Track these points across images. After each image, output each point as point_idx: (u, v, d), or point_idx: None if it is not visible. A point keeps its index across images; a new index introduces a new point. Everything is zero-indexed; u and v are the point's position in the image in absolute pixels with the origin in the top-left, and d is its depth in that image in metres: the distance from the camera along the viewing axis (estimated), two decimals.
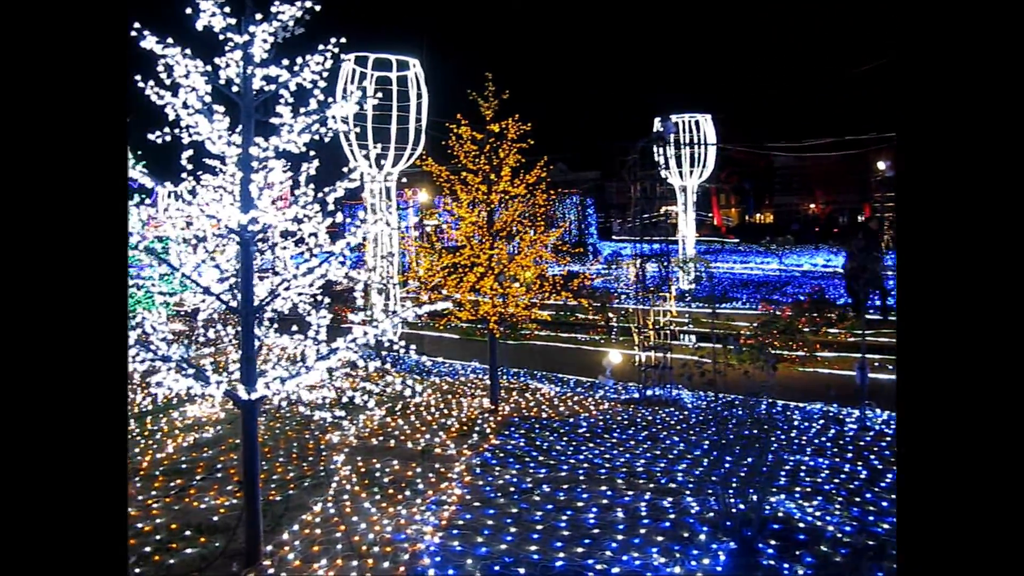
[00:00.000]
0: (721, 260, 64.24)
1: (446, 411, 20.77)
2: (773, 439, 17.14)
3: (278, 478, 15.25)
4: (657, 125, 34.32)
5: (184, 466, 16.54)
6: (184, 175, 10.67)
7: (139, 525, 13.17)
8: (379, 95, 22.25)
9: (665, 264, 25.95)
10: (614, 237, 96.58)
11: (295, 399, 10.41)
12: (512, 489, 14.29)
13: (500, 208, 20.34)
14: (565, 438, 17.88)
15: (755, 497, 11.42)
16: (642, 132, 37.57)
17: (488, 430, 18.68)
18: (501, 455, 16.54)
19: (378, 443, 17.56)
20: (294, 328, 10.81)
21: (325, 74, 10.53)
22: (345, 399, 12.20)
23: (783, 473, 14.51)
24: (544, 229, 21.25)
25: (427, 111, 30.67)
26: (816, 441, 17.16)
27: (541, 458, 16.23)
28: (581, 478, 14.76)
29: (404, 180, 14.29)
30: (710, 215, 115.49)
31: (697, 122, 44.82)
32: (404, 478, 15.03)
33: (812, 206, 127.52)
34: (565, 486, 14.34)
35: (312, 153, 10.50)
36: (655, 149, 38.06)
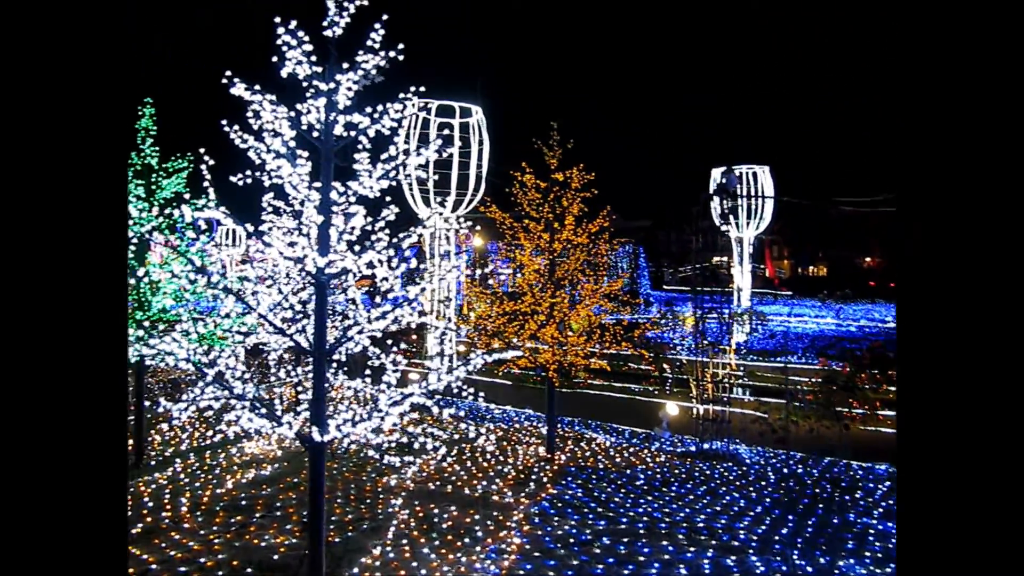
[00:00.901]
0: (775, 312, 63.50)
1: (502, 458, 20.70)
2: (838, 499, 16.74)
3: (337, 519, 15.28)
4: (719, 176, 34.23)
5: (244, 503, 16.67)
6: (264, 217, 10.92)
7: (202, 560, 13.29)
8: (459, 143, 22.59)
9: (724, 316, 25.74)
10: (666, 287, 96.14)
11: (364, 442, 10.46)
12: (572, 540, 14.14)
13: (562, 257, 20.43)
14: (623, 490, 17.67)
15: (823, 560, 11.13)
16: (696, 182, 37.51)
17: (545, 479, 18.55)
18: (559, 505, 16.40)
19: (435, 488, 17.54)
20: (367, 372, 10.92)
21: (404, 121, 10.73)
22: (403, 442, 12.24)
23: (850, 536, 14.15)
24: (606, 278, 21.25)
25: (488, 157, 31.12)
26: (883, 504, 16.72)
27: (600, 509, 16.05)
28: (641, 532, 14.56)
29: (468, 225, 14.40)
30: (763, 266, 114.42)
31: (755, 174, 44.75)
32: (463, 524, 14.96)
33: (868, 259, 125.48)
34: (625, 539, 14.15)
35: (388, 199, 10.67)
36: (717, 201, 37.97)
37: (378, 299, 10.71)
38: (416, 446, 11.71)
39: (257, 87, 10.30)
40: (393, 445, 11.80)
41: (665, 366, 33.42)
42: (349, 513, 15.81)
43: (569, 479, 18.52)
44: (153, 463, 20.46)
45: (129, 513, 15.97)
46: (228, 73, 10.03)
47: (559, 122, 20.76)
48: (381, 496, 16.88)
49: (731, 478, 19.23)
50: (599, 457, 21.11)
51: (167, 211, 19.94)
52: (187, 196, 12.65)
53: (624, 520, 15.28)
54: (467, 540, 14.10)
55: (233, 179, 10.45)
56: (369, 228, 10.35)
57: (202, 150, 10.62)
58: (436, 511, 15.74)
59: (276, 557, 13.40)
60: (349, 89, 10.34)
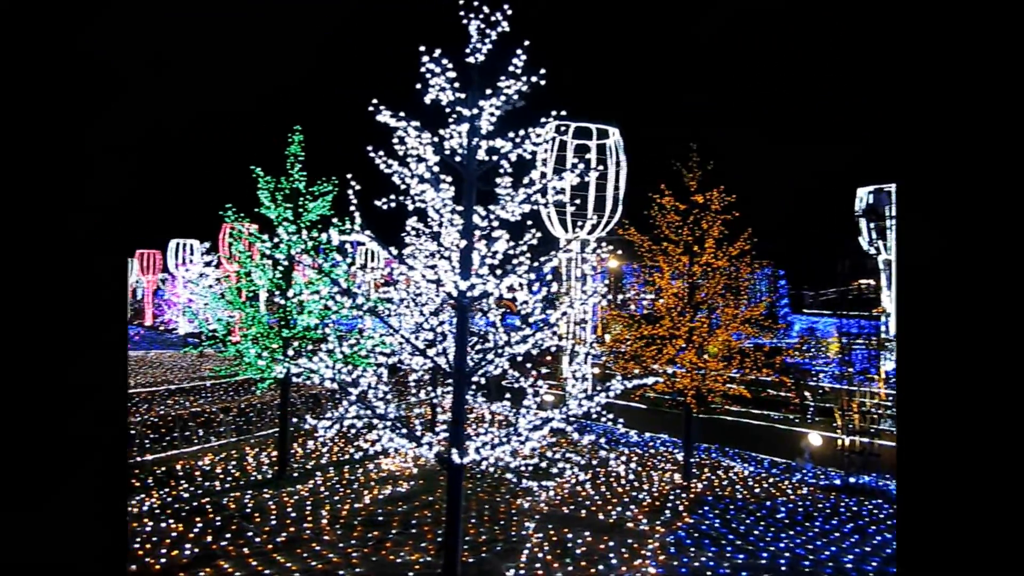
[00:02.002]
0: None
1: (637, 484, 20.33)
2: None
3: (470, 540, 15.35)
4: (866, 197, 32.73)
5: (381, 518, 17.01)
6: (407, 240, 11.15)
7: (340, 572, 13.61)
8: (600, 166, 22.55)
9: (872, 342, 24.53)
10: (806, 311, 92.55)
11: (502, 465, 10.46)
12: (709, 574, 13.69)
13: (702, 280, 20.00)
14: (763, 523, 17.01)
15: None
16: (841, 202, 36.09)
17: (681, 507, 18.10)
18: (695, 535, 15.94)
19: (569, 512, 17.39)
20: (507, 395, 10.95)
21: (546, 145, 10.74)
22: (540, 465, 12.17)
23: None
24: (747, 302, 20.65)
25: (625, 179, 30.92)
26: None
27: (738, 542, 15.49)
28: (783, 569, 13.93)
29: (608, 249, 14.29)
30: None
31: None
32: (596, 551, 14.74)
33: None
34: None
35: (530, 223, 10.69)
36: (864, 222, 36.38)
37: (518, 322, 10.73)
38: (557, 470, 11.63)
39: (402, 114, 10.55)
40: (530, 468, 11.76)
41: (807, 393, 32.13)
42: (483, 534, 15.86)
43: (706, 508, 18.00)
44: (295, 475, 21.21)
45: (273, 522, 16.58)
46: (375, 101, 10.33)
47: (697, 143, 20.43)
48: (515, 518, 16.87)
49: (881, 516, 18.20)
50: (737, 487, 20.43)
51: (312, 233, 20.74)
52: (333, 219, 13.07)
53: (764, 555, 14.68)
54: (601, 567, 13.87)
55: (377, 203, 10.72)
56: (511, 252, 10.39)
57: (349, 175, 10.95)
58: (570, 536, 15.58)
59: (411, 574, 13.56)
60: (492, 114, 10.45)
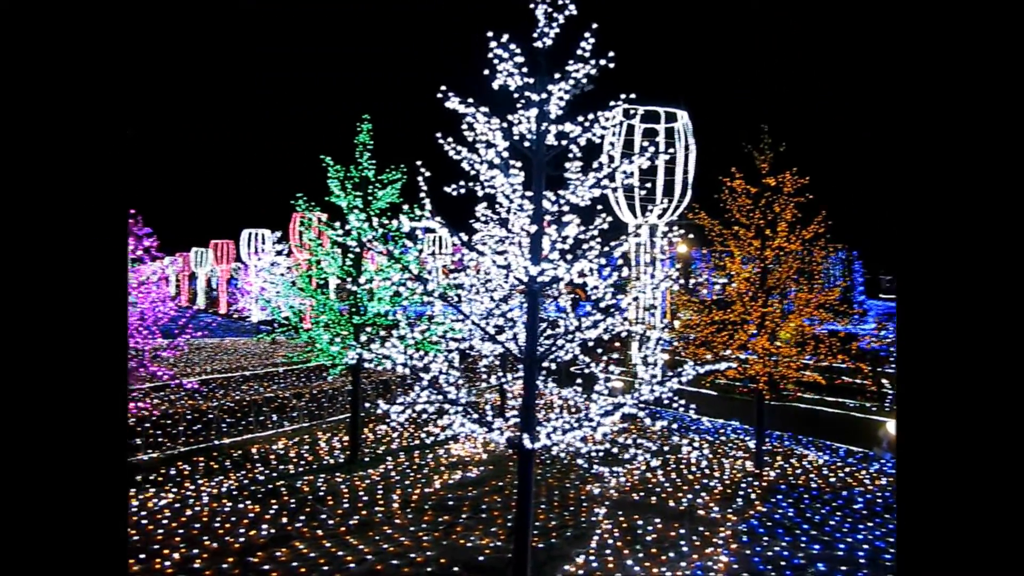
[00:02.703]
0: None
1: (708, 471, 20.09)
2: None
3: (540, 525, 15.38)
4: None
5: (451, 503, 17.16)
6: (476, 226, 11.15)
7: (412, 555, 13.78)
8: (668, 150, 22.29)
9: None
10: (883, 296, 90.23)
11: (573, 450, 10.42)
12: (783, 563, 13.46)
13: (774, 264, 19.60)
14: (839, 513, 16.64)
15: None
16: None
17: (753, 495, 17.82)
18: (769, 524, 15.68)
19: (639, 499, 17.28)
20: (578, 380, 10.90)
21: (615, 129, 10.61)
22: (611, 451, 12.10)
23: None
24: (822, 287, 20.17)
25: (694, 162, 30.48)
26: None
27: (813, 532, 15.18)
28: (862, 561, 13.61)
29: (679, 233, 14.06)
30: None
31: None
32: (667, 538, 14.63)
33: None
34: (844, 568, 13.28)
35: (600, 208, 10.59)
36: None
37: (588, 308, 10.65)
38: (627, 456, 11.56)
39: (471, 100, 10.53)
40: (600, 454, 11.70)
41: (884, 381, 31.29)
42: (553, 519, 15.88)
43: (779, 497, 17.70)
44: (367, 459, 21.53)
45: (345, 505, 16.86)
46: (443, 87, 10.33)
47: (769, 124, 19.97)
48: (584, 504, 16.84)
49: None
50: (811, 475, 20.03)
51: (381, 220, 20.94)
52: (403, 206, 13.15)
53: (842, 546, 14.37)
54: (672, 555, 13.77)
55: (447, 189, 10.73)
56: (581, 237, 10.30)
57: (419, 162, 10.99)
58: (640, 522, 15.49)
59: (482, 559, 13.66)
60: (560, 99, 10.36)
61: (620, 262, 10.38)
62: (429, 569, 13.19)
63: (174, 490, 18.29)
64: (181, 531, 15.03)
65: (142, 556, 13.67)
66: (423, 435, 24.27)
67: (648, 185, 28.53)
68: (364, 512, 16.50)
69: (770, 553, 13.89)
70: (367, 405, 28.26)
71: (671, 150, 29.32)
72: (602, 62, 10.29)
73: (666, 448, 22.03)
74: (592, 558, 13.62)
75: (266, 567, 13.24)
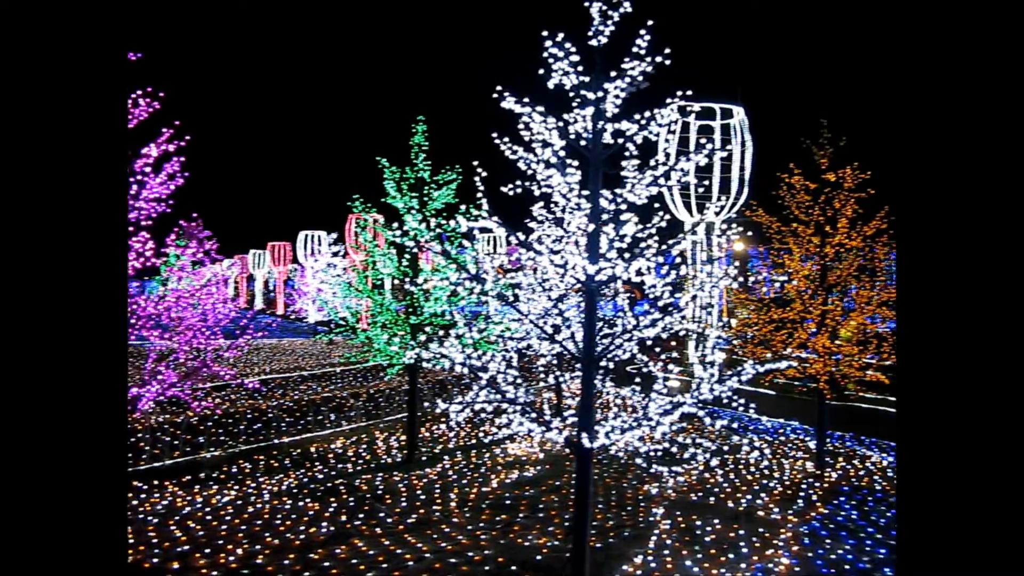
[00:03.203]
0: None
1: (767, 471, 19.82)
2: None
3: (598, 524, 15.33)
4: None
5: (508, 502, 17.20)
6: (532, 225, 11.17)
7: (470, 554, 13.85)
8: (725, 147, 22.06)
9: None
10: None
11: (631, 450, 10.37)
12: (847, 567, 13.22)
13: (834, 261, 19.25)
14: None
15: None
16: None
17: (815, 497, 17.53)
18: (831, 526, 15.41)
19: (697, 499, 17.11)
20: (637, 379, 10.86)
21: (673, 127, 10.54)
22: (670, 450, 12.01)
23: None
24: (885, 284, 19.74)
25: (751, 159, 30.08)
26: None
27: (879, 536, 14.87)
28: None
29: (739, 230, 13.82)
30: None
31: None
32: (727, 539, 14.46)
33: None
34: None
35: (657, 205, 10.53)
36: None
37: (646, 306, 10.60)
38: (686, 455, 11.46)
39: (526, 99, 10.55)
40: (659, 453, 11.63)
41: None
42: (610, 519, 15.82)
43: (842, 499, 17.38)
44: (424, 459, 21.69)
45: (403, 504, 17.02)
46: (499, 87, 10.37)
47: (828, 118, 19.64)
48: (642, 504, 16.75)
49: None
50: (875, 477, 19.62)
51: (437, 221, 21.07)
52: (461, 206, 13.21)
53: None
54: (731, 556, 13.61)
55: (503, 189, 10.77)
56: (639, 235, 10.25)
57: (475, 162, 11.04)
58: (699, 523, 15.34)
59: (539, 558, 13.66)
60: (616, 97, 10.32)
61: (678, 260, 10.31)
62: (487, 567, 13.23)
63: (236, 487, 18.64)
64: (243, 527, 15.32)
65: (207, 551, 13.97)
66: (482, 434, 24.38)
67: (706, 183, 28.22)
68: (422, 510, 16.63)
69: (833, 556, 13.66)
70: (427, 405, 28.51)
71: (728, 147, 28.97)
72: (658, 59, 10.23)
73: (725, 448, 21.80)
74: (650, 558, 13.53)
75: (326, 564, 13.42)
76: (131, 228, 13.93)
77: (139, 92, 13.96)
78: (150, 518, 16.05)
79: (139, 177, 13.84)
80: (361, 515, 16.23)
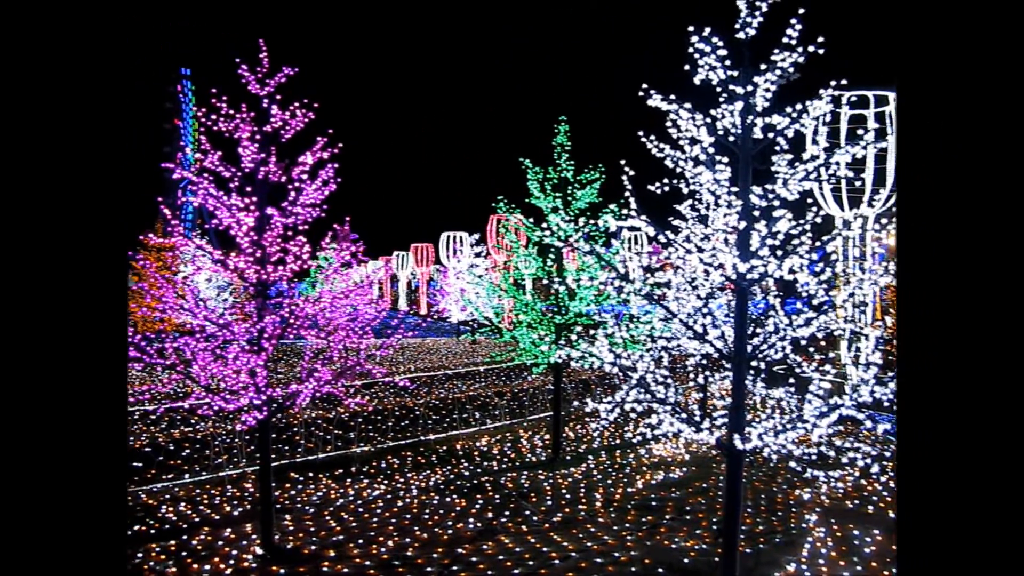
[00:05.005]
0: None
1: None
2: None
3: (747, 529, 14.95)
4: None
5: (654, 503, 17.03)
6: (679, 223, 11.02)
7: (616, 554, 13.79)
8: (881, 137, 21.09)
9: None
10: None
11: (784, 452, 10.07)
12: None
13: None
14: None
15: None
16: None
17: None
18: None
19: (854, 506, 16.40)
20: (791, 380, 10.54)
21: (826, 119, 10.17)
22: (827, 454, 11.58)
23: None
24: None
25: None
26: None
27: None
28: None
29: (886, 224, 13.14)
30: None
31: None
32: (888, 552, 13.79)
33: None
34: None
35: (810, 201, 10.18)
36: None
37: (798, 304, 10.27)
38: (843, 460, 11.04)
39: (672, 96, 10.42)
40: (814, 457, 11.25)
41: None
42: (760, 524, 15.41)
43: None
44: (568, 458, 21.76)
45: (549, 502, 17.13)
46: (645, 85, 10.29)
47: None
48: (793, 509, 16.22)
49: None
50: None
51: (581, 220, 21.09)
52: (606, 205, 13.18)
53: None
54: (895, 570, 12.98)
55: (651, 188, 10.68)
56: (792, 232, 9.93)
57: (623, 161, 10.98)
58: (856, 532, 14.71)
59: (687, 561, 13.47)
60: (767, 90, 10.04)
61: (834, 257, 9.93)
62: (633, 569, 13.16)
63: (385, 482, 19.28)
64: (393, 520, 15.84)
65: (360, 541, 14.55)
66: (629, 434, 24.24)
67: (859, 175, 27.02)
68: (567, 509, 16.71)
69: None
70: (575, 404, 28.61)
71: (884, 137, 27.65)
72: (811, 49, 9.88)
73: (885, 454, 20.82)
74: (804, 567, 13.10)
75: (474, 559, 13.69)
76: (289, 232, 14.63)
77: (296, 104, 14.63)
78: (307, 508, 16.91)
79: (296, 184, 14.51)
80: (507, 512, 16.47)
